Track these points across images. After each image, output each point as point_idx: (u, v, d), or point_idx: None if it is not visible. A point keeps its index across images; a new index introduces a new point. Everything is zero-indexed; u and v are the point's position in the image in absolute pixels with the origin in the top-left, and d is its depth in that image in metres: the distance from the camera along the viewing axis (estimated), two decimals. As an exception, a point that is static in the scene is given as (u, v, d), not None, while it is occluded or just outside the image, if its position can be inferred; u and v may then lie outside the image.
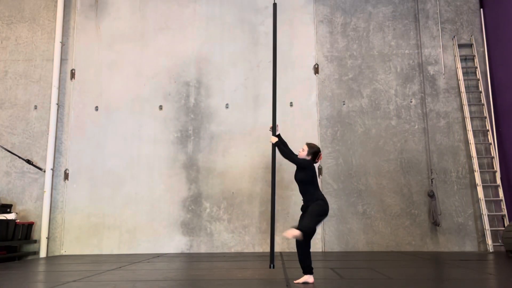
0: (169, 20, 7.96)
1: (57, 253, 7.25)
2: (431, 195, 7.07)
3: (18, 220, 6.98)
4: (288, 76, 7.66)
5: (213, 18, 7.96)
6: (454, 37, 7.75)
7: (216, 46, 7.87)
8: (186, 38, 7.89)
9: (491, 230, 6.85)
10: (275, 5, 5.22)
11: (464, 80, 7.53)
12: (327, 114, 7.59)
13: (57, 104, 7.55)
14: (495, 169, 7.20)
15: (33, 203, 7.35)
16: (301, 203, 4.23)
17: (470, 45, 7.71)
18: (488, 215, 6.93)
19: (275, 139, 4.60)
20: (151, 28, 7.93)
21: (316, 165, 4.28)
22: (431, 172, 7.24)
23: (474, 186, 7.16)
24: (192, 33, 7.90)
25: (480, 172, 7.13)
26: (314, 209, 4.01)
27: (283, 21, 7.90)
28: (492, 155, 7.25)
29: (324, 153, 7.45)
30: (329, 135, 7.53)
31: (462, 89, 7.48)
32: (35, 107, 7.64)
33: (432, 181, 7.18)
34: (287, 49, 7.78)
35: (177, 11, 7.97)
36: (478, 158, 7.19)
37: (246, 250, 7.17)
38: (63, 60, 7.80)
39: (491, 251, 6.74)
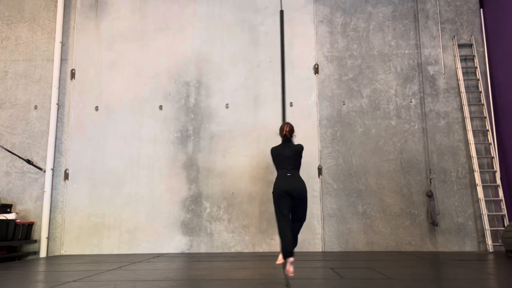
0: (169, 20, 7.96)
1: (57, 253, 7.26)
2: (430, 195, 7.07)
3: (18, 220, 6.97)
4: (288, 76, 7.66)
5: (213, 18, 7.96)
6: (454, 37, 7.75)
7: (216, 46, 7.87)
8: (186, 38, 7.89)
9: (491, 230, 6.85)
10: (281, 12, 5.15)
11: (464, 80, 7.53)
12: (327, 114, 7.59)
13: (57, 104, 7.55)
14: (495, 169, 7.20)
15: (33, 203, 7.35)
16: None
17: (470, 45, 7.71)
18: (488, 215, 6.94)
19: None
20: (151, 28, 7.93)
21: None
22: (430, 172, 7.24)
23: (474, 186, 7.17)
24: (192, 33, 7.90)
25: (480, 172, 7.14)
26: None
27: (283, 21, 7.91)
28: (492, 155, 7.25)
29: (324, 153, 7.46)
30: (329, 135, 7.52)
31: (462, 89, 7.48)
32: (35, 107, 7.64)
33: (430, 181, 7.18)
34: (287, 49, 7.78)
35: (177, 11, 7.98)
36: (478, 158, 7.20)
37: (246, 250, 7.18)
38: (63, 60, 7.80)
39: (491, 251, 6.74)
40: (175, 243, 7.23)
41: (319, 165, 7.40)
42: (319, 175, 7.37)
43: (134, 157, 7.49)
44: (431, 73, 7.68)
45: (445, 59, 7.71)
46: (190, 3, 7.99)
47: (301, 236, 7.29)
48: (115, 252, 7.18)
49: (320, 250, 7.15)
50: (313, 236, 7.19)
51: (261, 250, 7.15)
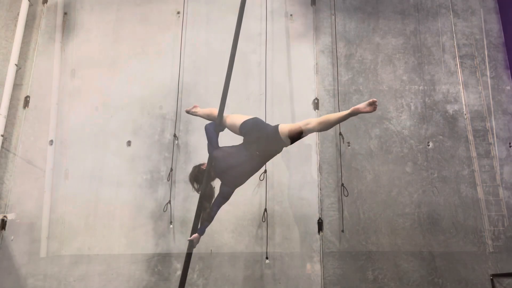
0: (147, 45, 6.89)
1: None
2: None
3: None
4: (284, 111, 6.53)
5: (197, 44, 6.92)
6: (475, 73, 6.75)
7: (200, 75, 6.77)
8: (165, 65, 6.80)
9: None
10: None
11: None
12: (329, 156, 6.36)
13: (2, 135, 6.28)
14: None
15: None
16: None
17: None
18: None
19: None
20: (124, 52, 6.85)
21: None
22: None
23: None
24: (172, 60, 6.82)
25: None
26: None
27: (279, 49, 6.90)
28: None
29: (325, 203, 6.15)
30: (331, 182, 6.25)
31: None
32: (-23, 139, 6.34)
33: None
34: (283, 80, 6.71)
35: (156, 35, 6.94)
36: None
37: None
38: (16, 86, 6.62)
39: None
40: (135, 314, 5.66)
41: (319, 218, 6.06)
42: (319, 231, 6.01)
43: (91, 202, 6.12)
44: (451, 112, 6.58)
45: (466, 97, 6.65)
46: (171, 26, 6.97)
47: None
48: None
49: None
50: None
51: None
